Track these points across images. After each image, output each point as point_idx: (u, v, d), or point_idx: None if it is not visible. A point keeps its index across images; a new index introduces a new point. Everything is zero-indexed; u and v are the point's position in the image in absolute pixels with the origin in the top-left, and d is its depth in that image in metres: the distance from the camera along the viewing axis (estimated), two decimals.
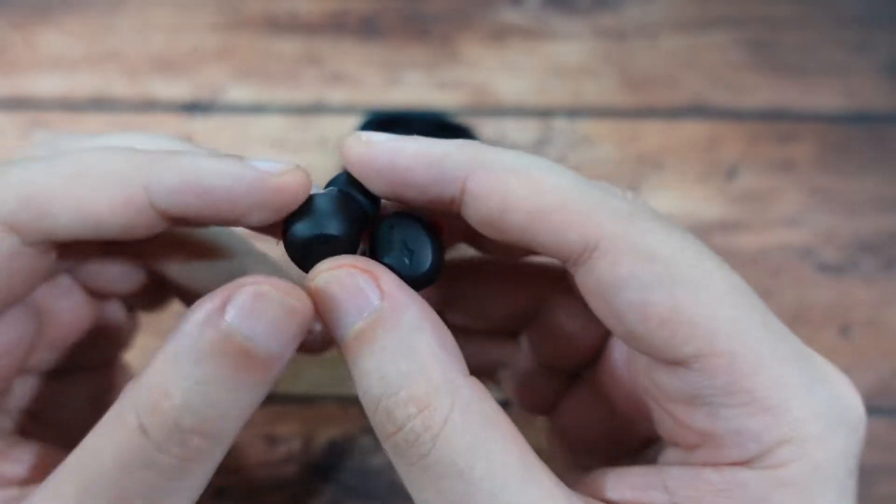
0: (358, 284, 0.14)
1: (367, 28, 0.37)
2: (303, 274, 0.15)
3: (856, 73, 0.35)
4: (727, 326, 0.14)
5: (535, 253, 0.16)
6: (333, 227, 0.15)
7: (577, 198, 0.14)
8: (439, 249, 0.16)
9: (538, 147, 0.34)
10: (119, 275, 0.19)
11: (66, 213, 0.14)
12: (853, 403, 0.15)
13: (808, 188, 0.33)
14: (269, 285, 0.13)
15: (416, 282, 0.15)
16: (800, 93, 0.35)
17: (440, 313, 0.15)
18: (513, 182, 0.15)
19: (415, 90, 0.35)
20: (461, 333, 0.16)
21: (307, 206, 0.15)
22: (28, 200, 0.14)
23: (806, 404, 0.14)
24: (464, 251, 0.19)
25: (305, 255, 0.15)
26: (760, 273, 0.32)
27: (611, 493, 0.15)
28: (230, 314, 0.13)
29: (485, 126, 0.35)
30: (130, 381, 0.14)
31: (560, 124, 0.35)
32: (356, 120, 0.31)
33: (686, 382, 0.14)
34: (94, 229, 0.15)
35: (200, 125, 0.35)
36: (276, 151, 0.34)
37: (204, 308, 0.13)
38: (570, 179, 0.15)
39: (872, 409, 0.30)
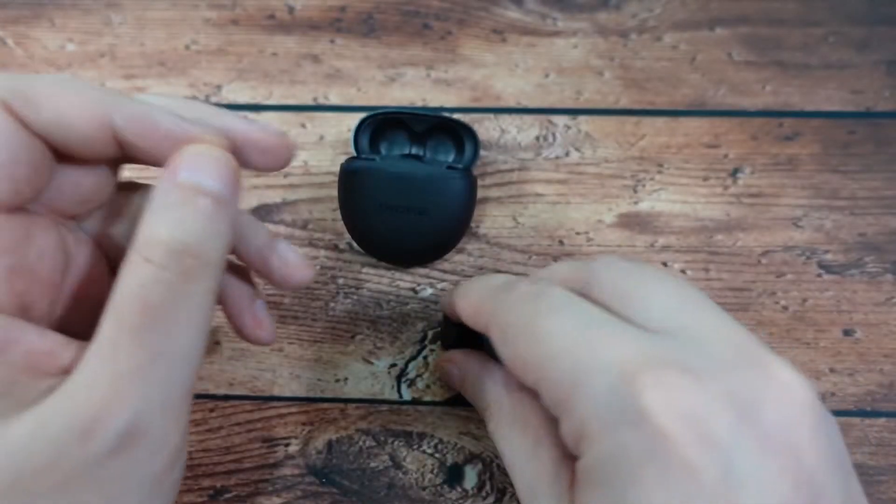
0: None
1: (365, 25, 0.37)
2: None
3: (859, 71, 0.35)
4: (552, 359, 0.19)
5: None
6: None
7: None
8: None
9: (539, 145, 0.34)
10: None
11: (48, 109, 0.19)
12: (643, 405, 0.17)
13: (811, 187, 0.33)
14: (201, 144, 0.19)
15: None
16: (802, 91, 0.35)
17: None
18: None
19: (414, 88, 0.35)
20: None
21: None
22: (18, 90, 0.18)
23: (589, 405, 0.18)
24: None
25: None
26: (763, 273, 0.31)
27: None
28: (182, 173, 0.19)
29: (485, 124, 0.34)
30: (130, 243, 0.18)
31: (561, 122, 0.34)
32: (355, 118, 0.31)
33: (548, 409, 0.20)
34: (67, 131, 0.19)
35: None
36: None
37: (164, 176, 0.19)
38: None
39: (877, 411, 0.30)
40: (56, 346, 0.19)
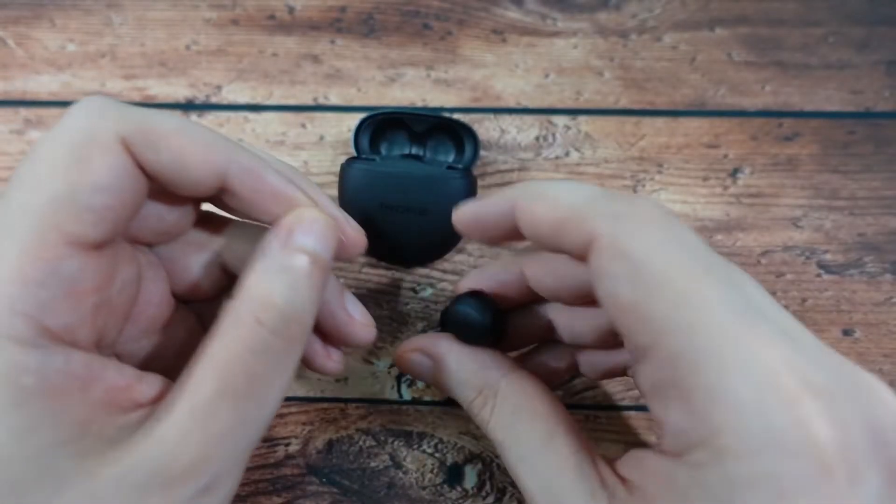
0: (416, 358, 0.24)
1: (366, 26, 0.37)
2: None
3: (858, 71, 0.35)
4: (675, 328, 0.16)
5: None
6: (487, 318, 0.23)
7: (580, 207, 0.18)
8: (498, 312, 0.24)
9: (539, 145, 0.34)
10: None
11: (168, 152, 0.19)
12: (810, 434, 0.15)
13: (811, 187, 0.33)
14: (313, 210, 0.20)
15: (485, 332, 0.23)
16: (802, 91, 0.35)
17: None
18: (539, 204, 0.19)
19: (414, 88, 0.35)
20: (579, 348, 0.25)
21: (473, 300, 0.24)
22: (141, 129, 0.19)
23: (732, 417, 0.15)
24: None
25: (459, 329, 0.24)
26: (763, 273, 0.31)
27: (621, 469, 0.19)
28: (298, 237, 0.19)
29: (485, 124, 0.34)
30: (232, 298, 0.19)
31: (561, 123, 0.34)
32: (355, 118, 0.31)
33: (645, 374, 0.17)
34: (181, 174, 0.19)
35: None
36: (275, 150, 0.34)
37: (278, 236, 0.19)
38: (584, 193, 0.19)
39: None
40: (132, 381, 0.19)
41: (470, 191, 0.30)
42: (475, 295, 0.24)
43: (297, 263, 0.19)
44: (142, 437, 0.17)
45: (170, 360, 0.23)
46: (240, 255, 0.23)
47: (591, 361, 0.25)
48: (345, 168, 0.30)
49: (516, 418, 0.20)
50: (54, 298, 0.17)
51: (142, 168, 0.19)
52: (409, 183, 0.29)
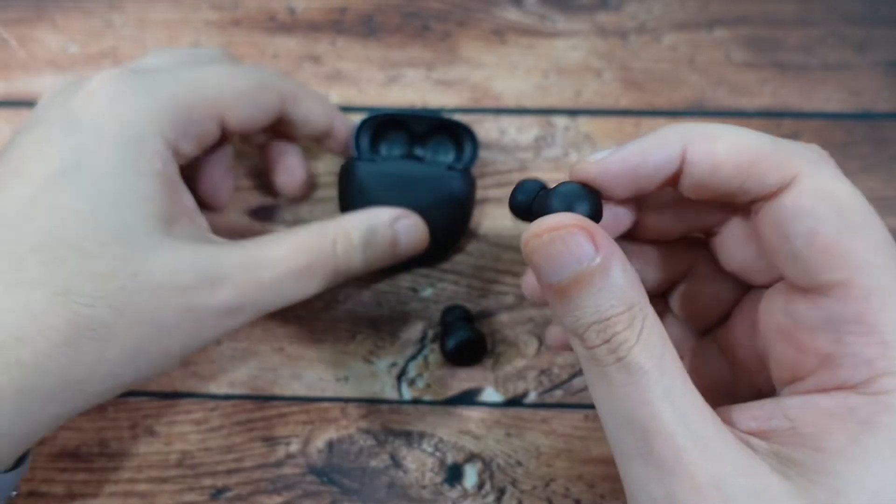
0: (580, 242, 0.18)
1: (366, 27, 0.37)
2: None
3: (857, 71, 0.35)
4: (873, 266, 0.17)
5: (729, 202, 0.20)
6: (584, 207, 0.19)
7: (774, 150, 0.18)
8: (599, 201, 0.20)
9: (538, 146, 0.34)
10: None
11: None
12: None
13: None
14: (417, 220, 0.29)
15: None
16: (801, 92, 0.35)
17: None
18: (720, 145, 0.18)
19: (414, 89, 0.35)
20: None
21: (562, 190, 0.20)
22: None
23: None
24: None
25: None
26: None
27: (736, 425, 0.18)
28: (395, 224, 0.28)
29: (485, 124, 0.34)
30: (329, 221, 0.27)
31: (561, 123, 0.34)
32: (356, 119, 0.31)
33: (821, 308, 0.18)
34: (258, 123, 0.28)
35: None
36: None
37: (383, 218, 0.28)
38: (767, 138, 0.19)
39: None
40: (197, 213, 0.27)
41: (469, 191, 0.30)
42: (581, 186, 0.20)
43: (379, 234, 0.27)
44: (219, 246, 0.25)
45: None
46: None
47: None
48: (345, 168, 0.30)
49: (666, 349, 0.18)
50: (192, 135, 0.26)
51: (282, 114, 0.29)
52: (409, 184, 0.29)
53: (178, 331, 0.23)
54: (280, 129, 0.30)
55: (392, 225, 0.28)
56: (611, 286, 0.17)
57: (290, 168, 0.31)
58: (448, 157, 0.31)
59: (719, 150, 0.18)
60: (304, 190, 0.32)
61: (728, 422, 0.18)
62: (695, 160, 0.19)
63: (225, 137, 0.29)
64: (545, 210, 0.19)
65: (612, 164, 0.19)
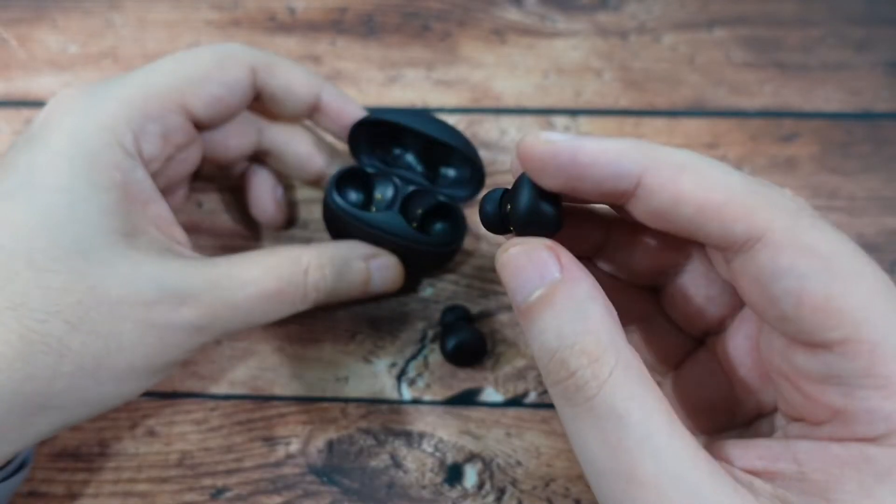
0: (543, 258, 0.17)
1: (366, 27, 0.37)
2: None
3: (857, 71, 0.35)
4: (874, 318, 0.16)
5: (696, 242, 0.18)
6: (547, 208, 0.18)
7: (744, 194, 0.16)
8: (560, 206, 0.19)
9: None
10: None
11: (281, 79, 0.27)
12: None
13: (810, 187, 0.33)
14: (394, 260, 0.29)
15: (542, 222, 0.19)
16: (801, 92, 0.35)
17: (593, 259, 0.22)
18: (686, 179, 0.17)
19: (414, 89, 0.35)
20: (608, 281, 0.22)
21: (520, 189, 0.19)
22: (268, 63, 0.27)
23: None
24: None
25: (524, 227, 0.19)
26: None
27: (739, 462, 0.17)
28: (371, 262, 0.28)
29: (485, 124, 0.34)
30: (301, 248, 0.26)
31: (561, 123, 0.34)
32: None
33: (826, 364, 0.16)
34: (287, 96, 0.28)
35: None
36: None
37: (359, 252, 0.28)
38: (738, 178, 0.17)
39: None
40: (173, 223, 0.26)
41: (451, 259, 0.30)
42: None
43: (353, 270, 0.27)
44: (187, 261, 0.24)
45: None
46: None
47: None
48: (328, 205, 0.28)
49: (646, 387, 0.16)
50: (154, 133, 0.25)
51: (258, 88, 0.27)
52: (394, 244, 0.28)
53: (141, 346, 0.23)
54: (263, 108, 0.29)
55: (367, 262, 0.27)
56: (576, 308, 0.16)
57: (262, 197, 0.31)
58: (451, 170, 0.30)
59: (684, 183, 0.16)
60: (280, 220, 0.31)
61: (729, 458, 0.17)
62: (654, 188, 0.17)
63: (200, 128, 0.27)
64: (514, 213, 0.19)
65: (560, 151, 0.17)
